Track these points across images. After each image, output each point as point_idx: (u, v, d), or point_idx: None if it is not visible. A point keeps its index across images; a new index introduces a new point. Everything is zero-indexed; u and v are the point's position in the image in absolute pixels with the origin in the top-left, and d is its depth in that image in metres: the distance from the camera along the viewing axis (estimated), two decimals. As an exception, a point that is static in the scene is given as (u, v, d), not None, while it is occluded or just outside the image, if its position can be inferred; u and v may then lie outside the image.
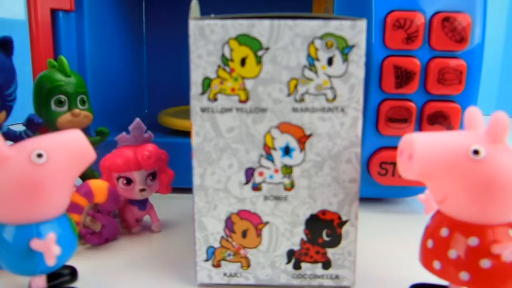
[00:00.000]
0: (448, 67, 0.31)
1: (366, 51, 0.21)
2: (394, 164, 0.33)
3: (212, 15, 0.21)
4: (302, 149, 0.22)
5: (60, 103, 0.31)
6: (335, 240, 0.23)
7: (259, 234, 0.23)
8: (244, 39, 0.21)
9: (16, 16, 0.73)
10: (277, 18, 0.21)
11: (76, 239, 0.22)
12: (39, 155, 0.20)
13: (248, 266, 0.24)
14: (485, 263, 0.19)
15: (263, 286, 0.24)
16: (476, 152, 0.18)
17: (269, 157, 0.22)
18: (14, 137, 0.29)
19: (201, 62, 0.21)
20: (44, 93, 0.31)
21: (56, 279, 0.23)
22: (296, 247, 0.23)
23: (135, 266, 0.27)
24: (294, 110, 0.22)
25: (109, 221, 0.29)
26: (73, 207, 0.27)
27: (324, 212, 0.23)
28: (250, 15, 0.21)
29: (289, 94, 0.21)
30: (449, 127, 0.32)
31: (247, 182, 0.23)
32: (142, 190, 0.30)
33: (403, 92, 0.32)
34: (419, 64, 0.32)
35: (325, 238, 0.23)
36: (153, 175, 0.31)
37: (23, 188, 0.19)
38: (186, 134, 0.40)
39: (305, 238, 0.23)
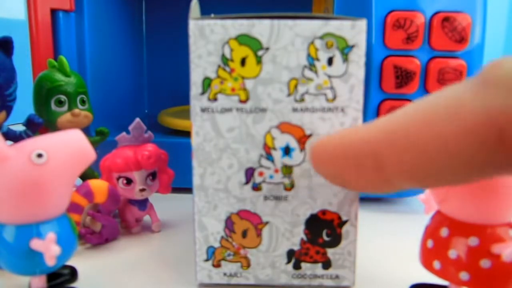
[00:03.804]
0: (448, 67, 0.31)
1: (366, 51, 0.21)
2: (394, 164, 0.33)
3: (212, 15, 0.21)
4: (302, 149, 0.22)
5: (60, 103, 0.31)
6: (335, 240, 0.23)
7: (259, 234, 0.23)
8: (244, 39, 0.21)
9: (16, 16, 0.73)
10: (277, 18, 0.21)
11: (76, 239, 0.22)
12: (39, 155, 0.20)
13: (248, 266, 0.24)
14: (485, 263, 0.19)
15: (263, 286, 0.24)
16: (476, 152, 0.18)
17: (269, 157, 0.22)
18: (14, 137, 0.29)
19: (201, 62, 0.21)
20: (44, 93, 0.31)
21: (56, 279, 0.23)
22: (296, 247, 0.23)
23: (135, 266, 0.27)
24: (294, 110, 0.22)
25: (109, 221, 0.29)
26: (73, 207, 0.27)
27: (324, 212, 0.23)
28: (250, 15, 0.21)
29: (289, 94, 0.21)
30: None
31: (247, 182, 0.23)
32: (142, 190, 0.30)
33: (403, 92, 0.32)
34: (419, 64, 0.32)
35: (325, 238, 0.23)
36: (153, 175, 0.31)
37: (23, 188, 0.19)
38: (186, 134, 0.40)
39: (305, 238, 0.23)
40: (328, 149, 0.17)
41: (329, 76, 0.21)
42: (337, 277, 0.24)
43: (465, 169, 0.13)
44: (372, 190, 0.16)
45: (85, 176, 0.34)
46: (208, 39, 0.21)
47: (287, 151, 0.22)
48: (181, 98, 0.45)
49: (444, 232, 0.20)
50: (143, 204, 0.31)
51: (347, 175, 0.17)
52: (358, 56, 0.21)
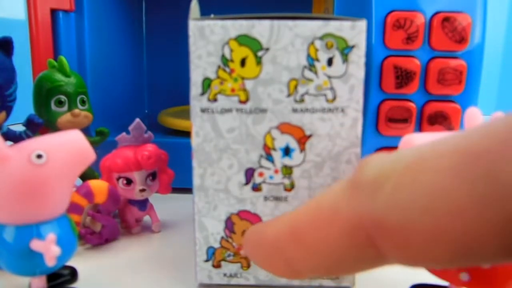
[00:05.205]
0: (448, 67, 0.31)
1: (366, 51, 0.21)
2: (394, 164, 0.33)
3: (212, 16, 0.21)
4: (302, 149, 0.22)
5: (60, 103, 0.31)
6: (335, 241, 0.23)
7: (259, 235, 0.23)
8: (244, 40, 0.21)
9: (16, 16, 0.73)
10: (277, 18, 0.21)
11: (76, 240, 0.22)
12: (39, 156, 0.20)
13: (248, 266, 0.24)
14: (485, 263, 0.19)
15: (263, 286, 0.24)
16: (476, 152, 0.18)
17: (269, 158, 0.22)
18: (14, 137, 0.29)
19: (201, 63, 0.21)
20: (44, 93, 0.31)
21: (56, 279, 0.23)
22: (296, 248, 0.23)
23: (135, 266, 0.27)
24: (294, 110, 0.22)
25: (109, 221, 0.29)
26: (73, 207, 0.27)
27: (324, 212, 0.23)
28: (250, 15, 0.21)
29: (289, 95, 0.21)
30: (449, 127, 0.32)
31: (247, 183, 0.23)
32: (142, 190, 0.30)
33: (403, 92, 0.32)
34: (419, 64, 0.32)
35: (325, 238, 0.23)
36: (153, 175, 0.31)
37: (23, 189, 0.19)
38: (186, 134, 0.40)
39: (305, 239, 0.23)
40: (252, 239, 0.18)
41: (329, 77, 0.21)
42: (337, 277, 0.24)
43: (350, 267, 0.14)
44: (288, 278, 0.17)
45: (85, 176, 0.34)
46: (208, 39, 0.21)
47: (287, 151, 0.22)
48: (181, 98, 0.45)
49: (444, 232, 0.20)
50: (143, 204, 0.31)
51: (263, 265, 0.17)
52: (358, 56, 0.21)
